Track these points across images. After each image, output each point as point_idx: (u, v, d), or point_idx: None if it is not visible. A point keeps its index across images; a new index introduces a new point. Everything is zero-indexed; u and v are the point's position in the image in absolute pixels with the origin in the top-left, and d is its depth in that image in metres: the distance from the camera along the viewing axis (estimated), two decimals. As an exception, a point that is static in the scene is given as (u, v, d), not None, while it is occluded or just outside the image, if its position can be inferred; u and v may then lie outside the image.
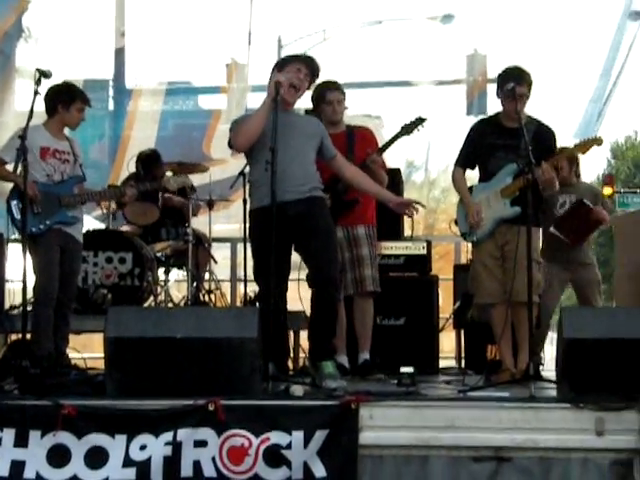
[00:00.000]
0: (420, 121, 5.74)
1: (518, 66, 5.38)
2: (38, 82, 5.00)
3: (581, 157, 5.46)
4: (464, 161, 5.54)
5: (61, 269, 5.52)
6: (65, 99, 5.53)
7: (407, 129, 5.76)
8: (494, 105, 5.58)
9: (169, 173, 6.32)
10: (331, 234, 4.98)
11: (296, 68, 4.97)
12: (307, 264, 4.96)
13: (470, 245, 5.78)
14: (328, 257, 4.87)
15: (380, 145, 5.85)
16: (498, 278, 5.33)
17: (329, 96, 5.73)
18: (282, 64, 5.04)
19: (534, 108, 5.47)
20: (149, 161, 7.50)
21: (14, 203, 5.44)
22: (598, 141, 5.29)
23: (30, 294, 5.10)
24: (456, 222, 5.66)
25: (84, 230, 6.02)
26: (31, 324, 4.95)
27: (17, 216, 5.41)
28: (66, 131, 5.84)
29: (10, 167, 5.45)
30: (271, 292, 4.59)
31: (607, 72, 11.37)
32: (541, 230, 5.59)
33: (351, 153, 5.63)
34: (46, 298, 5.36)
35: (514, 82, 5.13)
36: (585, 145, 5.33)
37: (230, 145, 5.07)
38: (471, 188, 5.53)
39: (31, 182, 5.19)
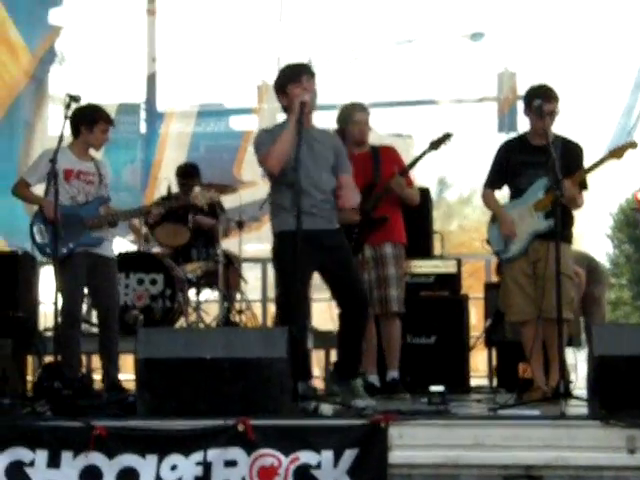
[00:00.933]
0: (447, 137, 5.77)
1: (544, 84, 5.39)
2: (68, 107, 5.09)
3: (617, 164, 5.38)
4: (492, 182, 5.55)
5: (95, 290, 5.59)
6: (88, 120, 5.58)
7: (434, 145, 5.80)
8: (524, 122, 5.57)
9: (197, 188, 6.37)
10: (355, 264, 5.20)
11: (306, 78, 4.90)
12: (337, 290, 4.99)
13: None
14: (361, 288, 5.01)
15: (409, 162, 5.88)
16: (530, 295, 5.30)
17: (357, 117, 5.76)
18: (295, 76, 4.91)
19: (564, 123, 5.47)
20: (186, 174, 7.52)
21: (36, 228, 5.50)
22: (633, 145, 5.24)
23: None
24: (488, 242, 5.64)
25: (116, 252, 6.06)
26: (60, 346, 5.01)
27: (38, 240, 5.49)
28: (99, 154, 5.91)
29: (37, 189, 5.51)
30: (296, 313, 4.61)
31: (638, 86, 11.29)
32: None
33: (377, 172, 5.68)
34: (71, 320, 5.39)
35: (541, 100, 5.15)
36: (619, 150, 5.24)
37: (261, 165, 5.05)
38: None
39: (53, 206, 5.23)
